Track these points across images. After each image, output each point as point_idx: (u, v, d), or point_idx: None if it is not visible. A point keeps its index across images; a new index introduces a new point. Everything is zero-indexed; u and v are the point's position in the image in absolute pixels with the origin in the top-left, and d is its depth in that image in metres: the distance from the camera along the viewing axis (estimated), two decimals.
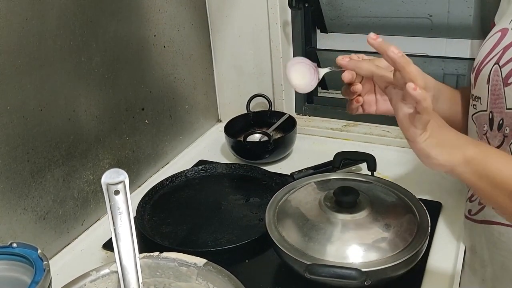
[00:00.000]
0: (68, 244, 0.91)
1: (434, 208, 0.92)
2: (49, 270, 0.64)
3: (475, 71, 0.75)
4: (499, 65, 0.70)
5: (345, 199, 0.76)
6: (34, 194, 0.83)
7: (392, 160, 1.10)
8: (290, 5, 1.16)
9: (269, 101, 1.26)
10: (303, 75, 0.77)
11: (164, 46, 1.10)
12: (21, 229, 0.81)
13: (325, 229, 0.74)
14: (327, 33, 1.25)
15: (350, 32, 1.23)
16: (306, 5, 1.21)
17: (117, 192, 0.65)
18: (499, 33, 0.72)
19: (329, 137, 1.24)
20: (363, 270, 0.68)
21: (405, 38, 1.15)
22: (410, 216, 0.78)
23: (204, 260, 0.66)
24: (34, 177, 0.82)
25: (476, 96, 0.75)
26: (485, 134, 0.74)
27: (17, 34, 0.76)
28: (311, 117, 1.32)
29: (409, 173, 1.05)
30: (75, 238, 0.93)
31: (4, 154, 0.77)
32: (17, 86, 0.77)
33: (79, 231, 0.94)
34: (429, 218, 0.77)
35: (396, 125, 1.26)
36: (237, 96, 1.31)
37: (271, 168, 1.10)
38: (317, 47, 1.28)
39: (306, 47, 1.26)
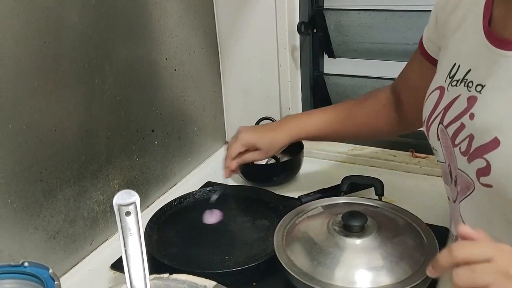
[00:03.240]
0: (77, 264, 0.92)
1: (442, 234, 0.92)
2: None
3: (424, 125, 0.76)
4: (443, 125, 0.70)
5: (353, 224, 0.77)
6: (45, 213, 0.84)
7: (399, 185, 1.10)
8: (299, 30, 1.18)
9: None
10: None
11: (175, 70, 1.12)
12: (32, 248, 0.82)
13: (333, 253, 0.75)
14: (335, 58, 1.27)
15: (357, 57, 1.24)
16: (315, 31, 1.23)
17: (128, 213, 0.66)
18: (438, 91, 0.73)
19: (335, 161, 1.24)
20: None
21: None
22: (418, 241, 0.78)
23: (214, 283, 0.66)
24: (46, 197, 0.83)
25: (433, 147, 0.76)
26: (449, 184, 0.74)
27: (36, 56, 0.78)
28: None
29: (416, 198, 1.05)
30: (84, 258, 0.93)
31: (18, 173, 0.78)
32: (33, 107, 0.79)
33: (88, 251, 0.94)
34: (437, 243, 0.77)
35: (401, 149, 1.28)
36: (244, 119, 1.32)
37: (278, 191, 1.10)
38: (325, 72, 1.30)
39: (314, 72, 1.27)
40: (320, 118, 0.98)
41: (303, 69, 1.25)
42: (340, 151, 1.26)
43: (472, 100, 0.65)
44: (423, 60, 0.83)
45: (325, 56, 1.29)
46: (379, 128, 0.97)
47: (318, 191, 1.05)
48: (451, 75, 0.71)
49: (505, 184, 0.60)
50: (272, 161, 1.17)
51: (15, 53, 0.75)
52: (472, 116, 0.65)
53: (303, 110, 1.29)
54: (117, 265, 0.89)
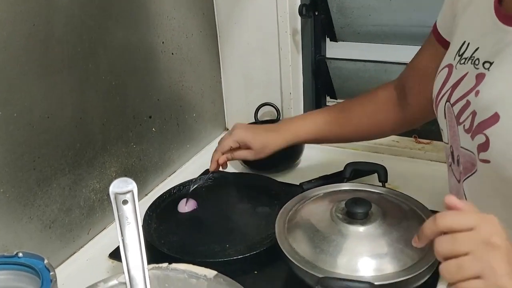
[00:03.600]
0: (74, 254, 0.90)
1: None
2: (56, 281, 0.63)
3: (434, 103, 0.75)
4: (450, 103, 0.70)
5: (357, 211, 0.74)
6: (40, 202, 0.82)
7: (402, 171, 1.08)
8: (300, 13, 1.15)
9: (278, 110, 1.25)
10: None
11: (172, 53, 1.10)
12: (27, 238, 0.80)
13: (336, 241, 0.73)
14: (337, 41, 1.24)
15: (360, 41, 1.22)
16: (316, 13, 1.20)
17: (125, 202, 0.64)
18: (446, 69, 0.72)
19: (337, 147, 1.22)
20: (376, 283, 0.66)
21: (416, 47, 1.14)
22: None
23: (215, 272, 0.64)
24: (40, 186, 0.81)
25: (440, 127, 0.76)
26: (450, 165, 0.74)
27: (24, 40, 0.75)
28: None
29: (420, 184, 1.03)
30: (81, 247, 0.91)
31: (10, 162, 0.76)
32: (24, 93, 0.76)
33: (85, 240, 0.92)
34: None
35: (405, 135, 1.26)
36: (244, 105, 1.29)
37: (279, 178, 1.08)
38: (327, 56, 1.27)
39: (315, 56, 1.25)
40: (317, 121, 0.96)
41: (305, 53, 1.23)
42: None
43: (480, 77, 0.65)
44: (438, 46, 0.81)
45: (327, 39, 1.26)
46: (382, 126, 0.94)
47: (320, 178, 1.03)
48: (460, 53, 0.70)
49: (503, 159, 0.61)
50: None
51: (2, 36, 0.72)
52: (477, 93, 0.64)
53: (304, 95, 1.27)
54: (115, 254, 0.87)
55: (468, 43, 0.69)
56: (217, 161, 0.96)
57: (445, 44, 0.79)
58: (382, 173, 0.94)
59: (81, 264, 0.88)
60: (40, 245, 0.82)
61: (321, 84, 1.29)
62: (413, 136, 1.19)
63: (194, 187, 1.01)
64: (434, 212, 0.80)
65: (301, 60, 1.23)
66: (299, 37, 1.20)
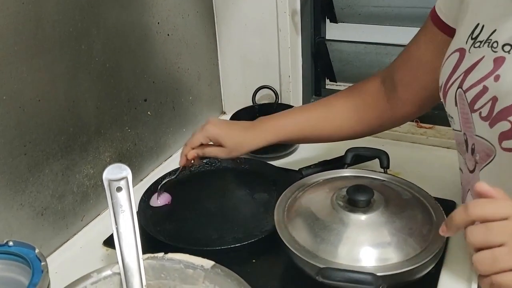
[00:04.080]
0: (67, 241, 0.88)
1: (448, 208, 0.88)
2: (47, 272, 0.60)
3: (442, 90, 0.72)
4: (462, 89, 0.66)
5: (359, 198, 0.72)
6: (31, 189, 0.79)
7: (404, 156, 1.06)
8: None
9: (276, 93, 1.22)
10: None
11: (168, 34, 1.06)
12: (18, 226, 0.77)
13: (337, 230, 0.71)
14: (337, 23, 1.21)
15: (361, 22, 1.19)
16: None
17: (119, 189, 0.62)
18: (457, 53, 0.69)
19: None
20: (378, 274, 0.64)
21: (418, 29, 1.11)
22: (427, 216, 0.74)
23: (212, 262, 0.62)
24: (32, 171, 0.79)
25: (449, 114, 0.72)
26: (464, 154, 0.71)
27: (13, 19, 0.72)
28: None
29: (422, 170, 1.02)
30: (75, 235, 0.89)
31: (0, 147, 0.73)
32: (13, 75, 0.73)
33: (79, 227, 0.90)
34: (446, 219, 0.73)
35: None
36: (242, 87, 1.27)
37: (278, 163, 1.06)
38: (327, 37, 1.24)
39: (315, 37, 1.22)
40: (298, 120, 0.90)
41: (304, 34, 1.20)
42: None
43: (499, 62, 0.62)
44: (436, 32, 0.77)
45: (327, 20, 1.23)
46: (369, 123, 0.89)
47: (320, 163, 1.01)
48: (473, 36, 0.67)
49: None
50: None
51: None
52: (497, 78, 0.61)
53: (303, 78, 1.24)
54: (110, 242, 0.84)
55: (483, 25, 0.66)
56: (186, 156, 0.90)
57: (446, 30, 0.75)
58: (384, 159, 0.92)
59: (74, 252, 0.86)
60: (32, 232, 0.80)
61: (320, 66, 1.26)
62: (414, 120, 1.17)
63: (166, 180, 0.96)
64: (437, 199, 0.79)
65: (300, 42, 1.20)
66: (298, 18, 1.17)
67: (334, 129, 0.90)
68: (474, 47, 0.66)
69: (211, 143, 0.89)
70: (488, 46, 0.64)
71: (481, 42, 0.65)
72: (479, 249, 0.50)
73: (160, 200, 0.94)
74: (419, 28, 0.86)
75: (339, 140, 0.94)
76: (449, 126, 0.75)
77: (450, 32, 0.75)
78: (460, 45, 0.69)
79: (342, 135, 0.91)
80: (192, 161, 0.92)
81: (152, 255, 0.64)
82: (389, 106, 0.87)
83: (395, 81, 0.85)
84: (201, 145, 0.89)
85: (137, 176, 1.03)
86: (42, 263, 0.60)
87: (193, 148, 0.89)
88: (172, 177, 0.96)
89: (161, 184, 0.95)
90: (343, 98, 0.90)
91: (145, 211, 0.90)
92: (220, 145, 0.88)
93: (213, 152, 0.89)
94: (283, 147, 1.10)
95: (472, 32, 0.67)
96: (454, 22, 0.74)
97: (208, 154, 0.90)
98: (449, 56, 0.71)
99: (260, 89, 1.22)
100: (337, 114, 0.89)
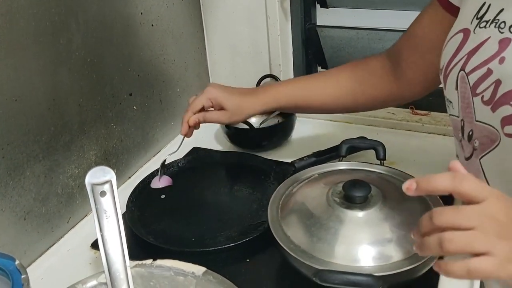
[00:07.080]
0: (54, 245, 0.84)
1: (447, 198, 0.86)
2: (28, 285, 0.57)
3: (442, 73, 0.69)
4: (465, 72, 0.63)
5: (355, 194, 0.69)
6: (12, 193, 0.75)
7: (399, 145, 1.03)
8: None
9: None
10: None
11: (152, 25, 1.02)
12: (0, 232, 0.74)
13: (334, 228, 0.68)
14: (328, 8, 1.17)
15: (352, 7, 1.15)
16: None
17: (103, 194, 0.58)
18: (461, 34, 0.65)
19: (330, 120, 1.17)
20: (377, 275, 0.62)
21: (413, 12, 1.07)
22: (425, 210, 0.70)
23: (203, 269, 0.60)
24: (11, 175, 0.75)
25: (447, 98, 0.69)
26: (460, 141, 0.68)
27: None
28: None
29: (418, 159, 0.99)
30: (61, 238, 0.86)
31: None
32: None
33: (65, 230, 0.87)
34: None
35: (402, 107, 1.20)
36: (231, 77, 1.23)
37: (270, 156, 1.03)
38: (318, 24, 1.20)
39: (305, 24, 1.18)
40: (300, 85, 0.89)
41: (294, 21, 1.16)
42: None
43: (505, 43, 0.58)
44: (442, 12, 0.74)
45: (318, 6, 1.19)
46: (372, 95, 0.87)
47: (313, 154, 0.98)
48: (479, 16, 0.63)
49: None
50: (264, 124, 1.09)
51: None
52: (502, 60, 0.58)
53: (294, 66, 1.20)
54: (98, 244, 0.82)
55: (489, 4, 0.62)
56: (187, 122, 0.86)
57: (451, 10, 0.72)
58: (380, 150, 0.89)
59: (61, 256, 0.83)
60: (15, 238, 0.77)
61: (312, 54, 1.23)
62: (409, 107, 1.14)
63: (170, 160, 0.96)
64: None
65: (290, 29, 1.16)
66: (287, 4, 1.13)
67: (337, 100, 0.88)
68: (480, 27, 0.62)
69: (212, 109, 0.87)
70: (495, 27, 0.60)
71: (487, 22, 0.62)
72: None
73: (162, 181, 0.93)
74: (413, 12, 0.83)
75: (341, 112, 0.96)
76: (445, 112, 0.72)
77: (455, 11, 0.71)
78: (465, 25, 0.65)
79: (345, 105, 0.90)
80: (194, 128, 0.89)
81: (140, 262, 0.61)
82: (395, 83, 0.85)
83: (400, 60, 0.83)
84: (202, 109, 0.87)
85: (124, 174, 0.99)
86: (23, 276, 0.57)
87: (194, 113, 0.86)
88: (175, 151, 0.95)
89: (164, 163, 0.94)
90: (348, 70, 0.88)
91: (132, 212, 0.87)
92: (221, 109, 0.86)
93: (215, 117, 0.87)
94: (275, 139, 1.07)
95: (478, 11, 0.63)
96: (459, 0, 0.71)
97: (210, 119, 0.87)
98: (452, 37, 0.67)
99: (264, 78, 1.17)
100: (341, 84, 0.87)
